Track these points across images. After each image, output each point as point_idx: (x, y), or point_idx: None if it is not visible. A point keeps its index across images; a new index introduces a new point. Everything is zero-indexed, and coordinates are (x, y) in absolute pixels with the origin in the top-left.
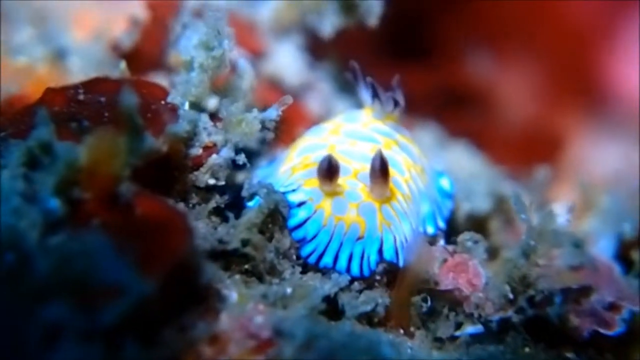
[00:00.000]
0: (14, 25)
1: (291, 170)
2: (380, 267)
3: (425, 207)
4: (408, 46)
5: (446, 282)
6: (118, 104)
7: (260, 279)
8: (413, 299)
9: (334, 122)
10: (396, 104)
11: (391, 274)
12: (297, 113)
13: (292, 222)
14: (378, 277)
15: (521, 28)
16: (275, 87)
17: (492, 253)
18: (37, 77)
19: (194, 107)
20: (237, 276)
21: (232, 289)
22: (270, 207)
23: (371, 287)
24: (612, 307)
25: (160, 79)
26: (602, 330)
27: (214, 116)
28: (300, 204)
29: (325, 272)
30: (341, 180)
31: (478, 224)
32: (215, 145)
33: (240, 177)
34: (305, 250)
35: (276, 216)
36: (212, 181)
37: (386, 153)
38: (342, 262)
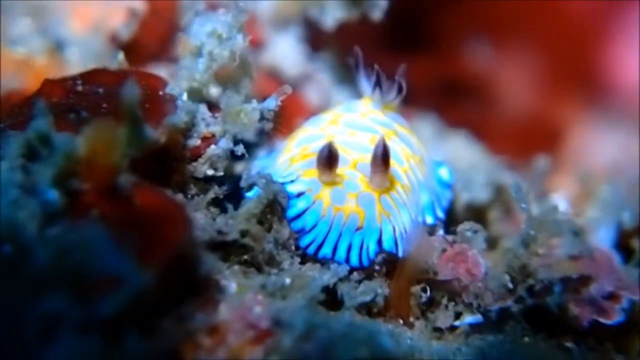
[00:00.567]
0: (13, 17)
1: (290, 160)
2: (380, 258)
3: (424, 198)
4: (408, 37)
5: (445, 272)
6: (120, 95)
7: (259, 270)
8: (412, 289)
9: (332, 113)
10: (400, 90)
11: (390, 264)
12: (295, 104)
13: (291, 212)
14: (377, 268)
15: (521, 18)
16: (274, 78)
17: (491, 243)
18: (36, 68)
19: (195, 94)
20: (236, 267)
21: (231, 280)
22: (269, 198)
23: (370, 277)
24: (612, 296)
25: (158, 70)
26: (601, 320)
27: (212, 107)
28: (299, 195)
29: (324, 262)
30: (340, 170)
31: (477, 213)
32: (213, 136)
33: (238, 167)
34: (304, 240)
35: (275, 207)
36: (210, 172)
37: None
38: (341, 253)
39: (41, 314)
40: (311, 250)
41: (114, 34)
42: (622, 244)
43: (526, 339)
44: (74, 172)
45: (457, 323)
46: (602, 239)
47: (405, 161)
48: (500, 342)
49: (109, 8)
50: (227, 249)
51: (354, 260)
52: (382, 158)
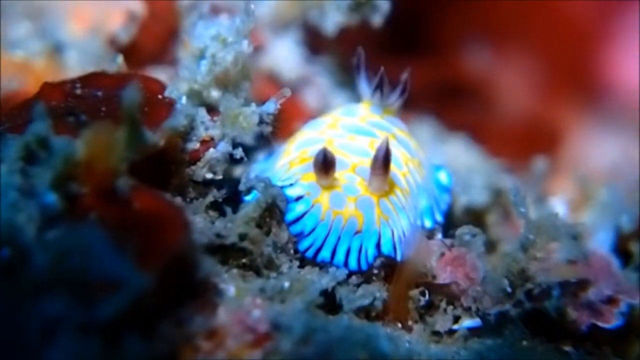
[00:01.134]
0: (12, 20)
1: (289, 164)
2: (378, 261)
3: (423, 201)
4: (407, 40)
5: (444, 276)
6: (121, 98)
7: (258, 273)
8: (411, 293)
9: (332, 116)
10: (402, 93)
11: (389, 268)
12: (294, 107)
13: (290, 216)
14: (376, 271)
15: (519, 21)
16: (273, 81)
17: (490, 246)
18: (35, 71)
19: (194, 96)
20: (235, 270)
21: (230, 283)
22: (267, 202)
23: (369, 281)
24: (610, 300)
25: (158, 73)
26: (600, 324)
27: (211, 110)
28: (298, 198)
29: (322, 266)
30: (339, 174)
31: (476, 217)
32: (212, 139)
33: (237, 171)
34: (303, 244)
35: (274, 210)
36: (209, 175)
37: None
38: (340, 256)
39: (40, 317)
40: (310, 253)
41: (113, 36)
42: (621, 248)
43: (525, 343)
44: (72, 175)
45: (455, 327)
46: (600, 242)
47: (404, 165)
48: (499, 346)
49: (108, 11)
50: (226, 253)
51: (353, 264)
52: (383, 161)
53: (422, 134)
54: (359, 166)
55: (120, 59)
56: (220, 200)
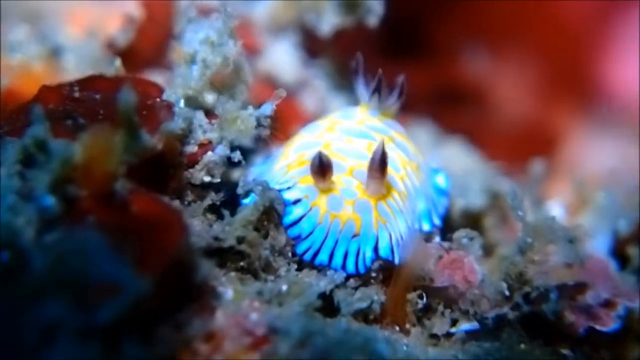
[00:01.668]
0: (10, 23)
1: (286, 167)
2: (376, 265)
3: (420, 204)
4: (404, 43)
5: (442, 279)
6: (117, 101)
7: (256, 276)
8: (409, 296)
9: (329, 119)
10: (400, 96)
11: (387, 271)
12: (292, 110)
13: (288, 219)
14: (373, 274)
15: (517, 25)
16: (270, 84)
17: (488, 250)
18: (33, 74)
19: (190, 102)
20: (233, 273)
21: (228, 286)
22: (265, 205)
23: (367, 284)
24: (608, 303)
25: (155, 77)
26: (597, 327)
27: (209, 113)
28: (296, 202)
29: (320, 269)
30: (336, 177)
31: (473, 220)
32: (210, 142)
33: (235, 174)
34: (301, 247)
35: (271, 213)
36: (207, 178)
37: None
38: (338, 260)
39: (39, 321)
40: (308, 257)
41: (110, 40)
42: (618, 251)
43: (522, 346)
44: (70, 178)
45: (453, 330)
46: (598, 246)
47: (401, 168)
48: (497, 349)
49: (106, 14)
50: (224, 256)
51: (351, 267)
52: (379, 164)
53: (420, 137)
54: (356, 169)
55: (118, 62)
56: (218, 203)
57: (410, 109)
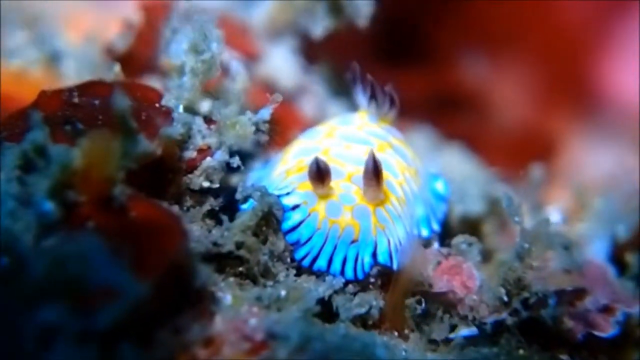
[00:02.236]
0: (9, 29)
1: (285, 173)
2: (375, 270)
3: (419, 210)
4: (402, 49)
5: (440, 285)
6: (111, 106)
7: (255, 282)
8: (407, 302)
9: (328, 125)
10: (392, 102)
11: (385, 277)
12: (291, 116)
13: (286, 225)
14: (372, 280)
15: (515, 31)
16: (269, 90)
17: (486, 255)
18: (32, 80)
19: (187, 111)
20: (232, 279)
21: (227, 292)
22: (264, 210)
23: (365, 289)
24: (606, 309)
25: (154, 82)
26: (596, 333)
27: (208, 119)
28: (295, 207)
29: (319, 275)
30: (335, 183)
31: (472, 226)
32: (209, 147)
33: (234, 179)
34: (300, 253)
35: (270, 219)
36: (206, 184)
37: (380, 156)
38: (336, 265)
39: (38, 325)
40: (306, 262)
41: (109, 45)
42: (617, 257)
43: (521, 351)
44: (69, 183)
45: (452, 335)
46: (596, 251)
47: (400, 174)
48: (495, 355)
49: (105, 19)
50: (223, 261)
51: (349, 272)
52: (373, 172)
53: (418, 143)
54: (355, 175)
55: (117, 67)
56: (217, 208)
57: (409, 114)
